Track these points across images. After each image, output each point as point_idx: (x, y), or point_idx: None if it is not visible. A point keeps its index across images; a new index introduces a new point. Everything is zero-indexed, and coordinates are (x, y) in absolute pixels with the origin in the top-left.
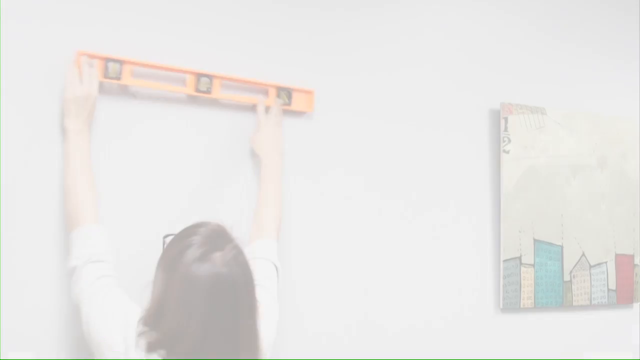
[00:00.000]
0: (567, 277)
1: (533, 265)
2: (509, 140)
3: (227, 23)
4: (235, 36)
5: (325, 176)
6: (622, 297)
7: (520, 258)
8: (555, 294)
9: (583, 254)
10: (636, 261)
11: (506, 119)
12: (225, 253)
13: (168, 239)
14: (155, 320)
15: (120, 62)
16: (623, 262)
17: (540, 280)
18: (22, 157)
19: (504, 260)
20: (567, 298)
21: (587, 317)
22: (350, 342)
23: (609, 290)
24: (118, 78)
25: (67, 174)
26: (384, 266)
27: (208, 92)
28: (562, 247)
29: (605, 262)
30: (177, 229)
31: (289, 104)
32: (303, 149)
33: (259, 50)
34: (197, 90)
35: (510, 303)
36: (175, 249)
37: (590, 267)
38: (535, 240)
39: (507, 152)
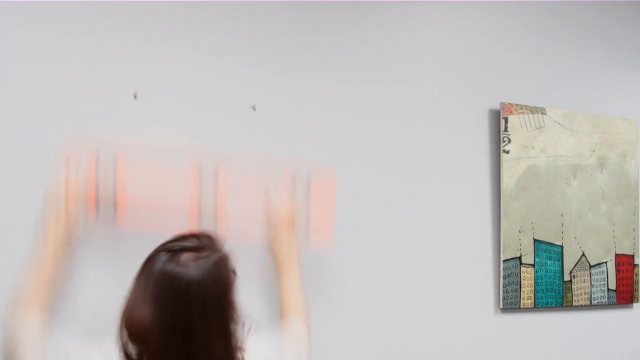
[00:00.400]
0: (567, 277)
1: (533, 265)
2: (509, 140)
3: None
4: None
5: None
6: (622, 297)
7: (520, 258)
8: (555, 294)
9: (583, 254)
10: (636, 261)
11: (506, 119)
12: (197, 257)
13: None
14: (126, 318)
15: (114, 204)
16: (623, 262)
17: (540, 280)
18: None
19: (504, 260)
20: (567, 298)
21: (587, 317)
22: (349, 341)
23: (608, 290)
24: (112, 219)
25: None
26: (384, 266)
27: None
28: (562, 247)
29: (605, 262)
30: None
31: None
32: (303, 148)
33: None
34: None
35: (510, 303)
36: (158, 249)
37: (590, 267)
38: (535, 240)
39: (507, 152)
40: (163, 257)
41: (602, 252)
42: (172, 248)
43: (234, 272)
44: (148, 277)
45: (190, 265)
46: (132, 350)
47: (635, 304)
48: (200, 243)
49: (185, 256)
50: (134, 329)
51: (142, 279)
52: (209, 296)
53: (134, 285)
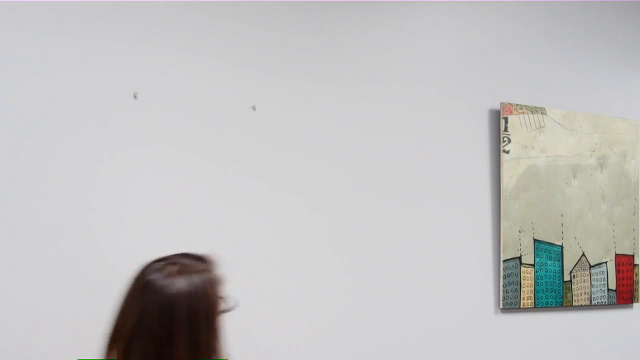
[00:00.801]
0: (567, 277)
1: (533, 265)
2: (509, 140)
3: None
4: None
5: (325, 175)
6: (622, 297)
7: (520, 258)
8: (555, 294)
9: (583, 254)
10: (636, 261)
11: (506, 119)
12: (188, 272)
13: None
14: (113, 323)
15: None
16: (623, 262)
17: (540, 280)
18: None
19: (504, 260)
20: (567, 298)
21: (587, 317)
22: (351, 341)
23: (609, 290)
24: None
25: None
26: (384, 266)
27: None
28: (562, 247)
29: (605, 262)
30: None
31: None
32: (303, 148)
33: None
34: None
35: (510, 303)
36: (153, 260)
37: (590, 267)
38: (535, 240)
39: (507, 152)
40: (154, 267)
41: (602, 252)
42: (165, 261)
43: (222, 298)
44: (136, 285)
45: (177, 279)
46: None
47: (635, 304)
48: (196, 262)
49: (175, 269)
50: (118, 335)
51: (132, 286)
52: (192, 310)
53: (126, 292)
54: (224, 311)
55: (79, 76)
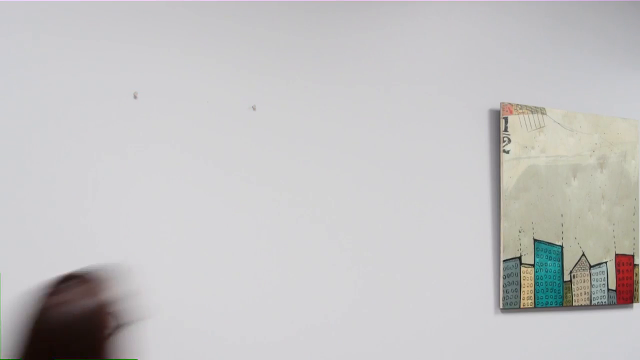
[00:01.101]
0: (567, 277)
1: (533, 265)
2: (509, 140)
3: None
4: None
5: (325, 175)
6: (622, 297)
7: (520, 258)
8: (555, 294)
9: (583, 254)
10: (636, 261)
11: (506, 119)
12: (66, 303)
13: None
14: None
15: None
16: (623, 262)
17: (540, 280)
18: None
19: (504, 260)
20: (567, 298)
21: (587, 317)
22: (351, 340)
23: (608, 290)
24: None
25: None
26: (384, 266)
27: None
28: (562, 247)
29: (605, 262)
30: None
31: None
32: (303, 148)
33: None
34: None
35: (510, 303)
36: (40, 290)
37: (590, 267)
38: (535, 240)
39: (507, 152)
40: (37, 299)
41: (602, 252)
42: (47, 291)
43: (117, 322)
44: (42, 309)
45: (54, 312)
46: None
47: (635, 304)
48: (97, 279)
49: (53, 300)
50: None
51: (36, 312)
52: (68, 348)
53: (31, 316)
54: (126, 326)
55: (79, 76)
